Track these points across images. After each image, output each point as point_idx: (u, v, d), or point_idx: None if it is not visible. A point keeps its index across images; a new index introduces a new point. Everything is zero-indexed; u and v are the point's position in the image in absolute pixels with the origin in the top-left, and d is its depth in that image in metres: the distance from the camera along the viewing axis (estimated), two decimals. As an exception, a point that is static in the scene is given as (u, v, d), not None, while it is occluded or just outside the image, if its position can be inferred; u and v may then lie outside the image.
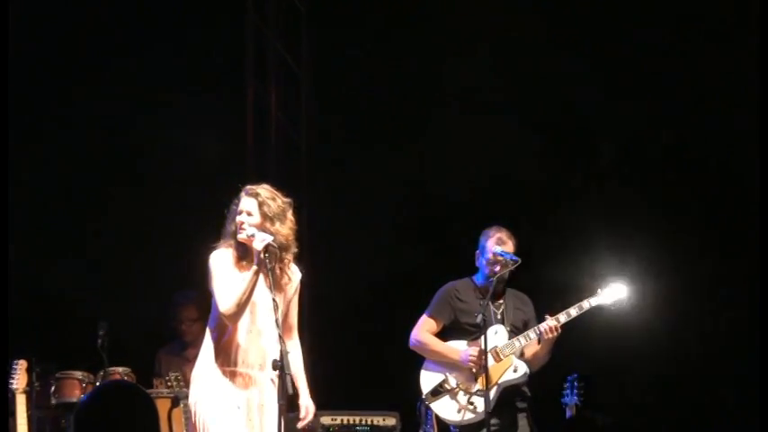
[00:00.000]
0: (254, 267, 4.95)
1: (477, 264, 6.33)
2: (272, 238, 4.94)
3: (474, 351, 6.07)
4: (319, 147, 8.50)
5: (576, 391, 6.36)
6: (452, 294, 6.29)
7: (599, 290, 6.22)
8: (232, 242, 5.08)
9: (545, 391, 6.42)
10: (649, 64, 7.90)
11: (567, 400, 6.39)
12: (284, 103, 8.47)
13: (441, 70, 8.27)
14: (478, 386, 6.07)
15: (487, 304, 6.06)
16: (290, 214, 5.14)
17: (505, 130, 7.98)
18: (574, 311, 6.18)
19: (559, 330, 6.12)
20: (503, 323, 6.22)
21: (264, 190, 5.14)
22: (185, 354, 7.07)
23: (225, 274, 5.03)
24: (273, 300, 4.84)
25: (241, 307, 4.97)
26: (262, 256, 4.89)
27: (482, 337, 6.02)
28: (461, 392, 6.11)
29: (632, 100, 7.99)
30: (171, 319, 7.21)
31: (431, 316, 6.29)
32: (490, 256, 6.22)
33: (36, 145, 7.56)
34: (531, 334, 6.15)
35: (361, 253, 8.15)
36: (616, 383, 7.69)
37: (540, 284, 6.71)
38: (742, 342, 7.36)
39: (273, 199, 5.11)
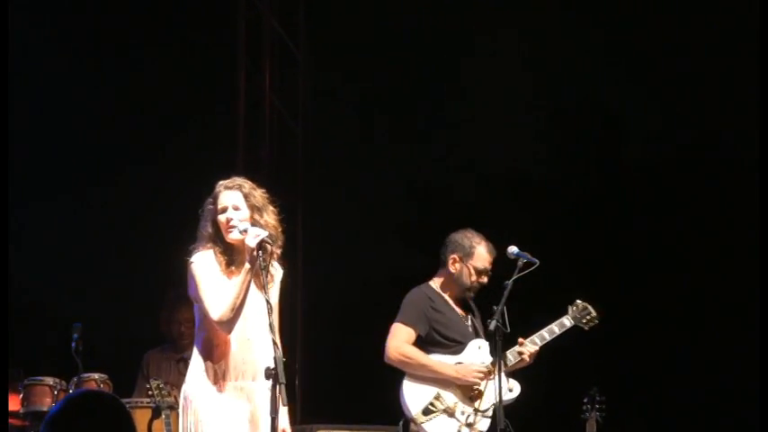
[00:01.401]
0: (247, 266, 4.90)
1: (450, 269, 6.12)
2: (266, 233, 4.90)
3: (479, 368, 5.95)
4: (318, 136, 8.51)
5: (597, 406, 6.38)
6: (426, 302, 6.10)
7: (571, 308, 6.15)
8: (213, 245, 5.03)
9: (561, 409, 6.57)
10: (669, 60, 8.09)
11: (587, 416, 6.39)
12: (280, 87, 8.50)
13: (451, 60, 8.30)
14: (481, 404, 5.91)
15: (470, 316, 5.97)
16: (270, 204, 5.14)
17: (519, 125, 8.11)
18: (547, 335, 6.04)
19: (537, 354, 5.99)
20: (476, 336, 6.07)
21: (244, 180, 5.14)
22: (178, 357, 7.07)
23: (213, 279, 4.99)
24: (267, 301, 4.79)
25: (236, 312, 4.94)
26: (255, 253, 4.85)
27: (480, 350, 5.96)
28: (459, 411, 5.93)
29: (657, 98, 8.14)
30: (165, 321, 7.20)
31: (408, 324, 6.05)
32: (480, 264, 6.08)
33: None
34: (511, 357, 5.99)
35: (361, 255, 8.14)
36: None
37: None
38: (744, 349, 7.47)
39: (255, 189, 5.12)
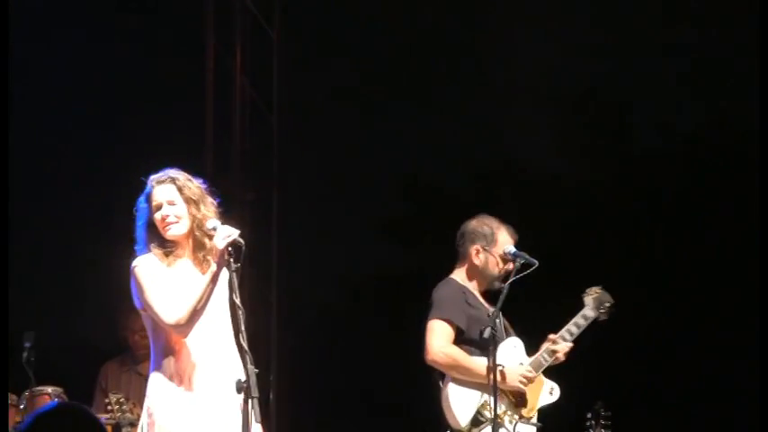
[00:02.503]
0: (213, 268, 4.90)
1: (474, 261, 6.15)
2: (237, 231, 4.87)
3: (524, 371, 5.98)
4: (295, 123, 8.48)
5: (601, 422, 6.32)
6: (462, 297, 6.09)
7: (584, 296, 6.23)
8: (153, 247, 5.03)
9: (564, 426, 6.41)
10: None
11: (591, 435, 6.41)
12: (252, 68, 8.48)
13: (443, 44, 8.33)
14: (526, 411, 5.99)
15: (497, 313, 5.86)
16: (209, 195, 5.13)
17: (516, 111, 8.13)
18: (575, 328, 6.13)
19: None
20: (508, 335, 6.11)
21: (177, 172, 5.12)
22: (137, 369, 7.13)
23: (160, 281, 4.98)
24: (239, 306, 4.79)
25: (194, 315, 4.92)
26: (226, 255, 4.83)
27: (516, 349, 6.03)
28: (507, 420, 5.96)
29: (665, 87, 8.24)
30: (120, 329, 7.23)
31: (446, 320, 6.00)
32: (502, 251, 6.10)
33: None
34: (547, 356, 6.07)
35: (344, 254, 8.23)
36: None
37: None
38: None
39: (190, 180, 5.12)
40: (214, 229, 4.94)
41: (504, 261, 6.10)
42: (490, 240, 6.17)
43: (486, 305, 6.14)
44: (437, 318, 6.03)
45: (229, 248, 4.86)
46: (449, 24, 8.39)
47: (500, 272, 6.12)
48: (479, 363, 5.91)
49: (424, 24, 8.37)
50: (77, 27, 7.91)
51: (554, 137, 8.27)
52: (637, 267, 8.35)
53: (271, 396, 8.06)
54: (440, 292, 6.12)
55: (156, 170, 5.00)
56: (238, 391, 4.69)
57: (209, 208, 5.09)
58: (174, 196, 5.06)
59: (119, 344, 7.30)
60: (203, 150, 8.12)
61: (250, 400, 4.64)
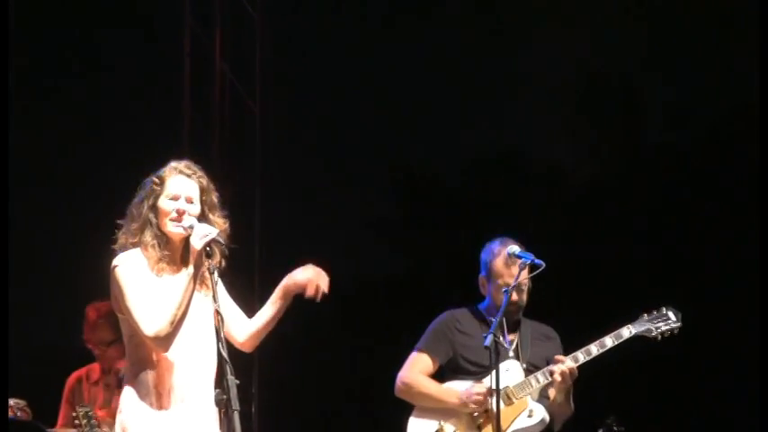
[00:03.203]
0: (190, 271, 4.82)
1: (483, 292, 6.13)
2: (216, 231, 4.82)
3: (479, 389, 5.92)
4: (278, 111, 8.45)
5: None
6: (451, 325, 6.12)
7: (645, 315, 6.11)
8: (149, 239, 4.96)
9: None
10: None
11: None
12: (233, 53, 8.46)
13: (436, 21, 8.46)
14: None
15: (498, 330, 5.70)
16: (219, 209, 5.08)
17: (518, 101, 8.21)
18: (595, 348, 5.98)
19: (576, 374, 5.91)
20: (517, 359, 6.07)
21: (203, 174, 5.07)
22: (106, 380, 7.00)
23: (143, 286, 4.89)
24: (218, 313, 4.74)
25: (176, 326, 4.85)
26: (204, 257, 4.78)
27: (507, 372, 5.94)
28: None
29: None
30: (84, 340, 7.04)
31: (424, 351, 6.10)
32: (501, 281, 5.96)
33: None
34: (541, 377, 5.99)
35: (331, 256, 8.13)
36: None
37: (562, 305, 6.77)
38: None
39: (212, 187, 5.08)
40: (191, 227, 4.86)
41: (499, 291, 5.95)
42: (489, 270, 6.09)
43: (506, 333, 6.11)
44: (416, 349, 6.13)
45: (207, 249, 4.80)
46: (448, 10, 8.32)
47: (509, 304, 5.88)
48: (435, 387, 5.99)
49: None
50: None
51: (560, 127, 8.39)
52: (654, 267, 8.35)
53: (253, 409, 8.04)
54: (432, 324, 6.17)
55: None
56: (217, 404, 4.64)
57: (219, 220, 5.04)
58: (195, 195, 5.01)
59: (85, 352, 7.11)
60: (179, 142, 8.06)
61: (230, 414, 4.57)
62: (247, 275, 8.00)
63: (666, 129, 8.51)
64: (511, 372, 6.05)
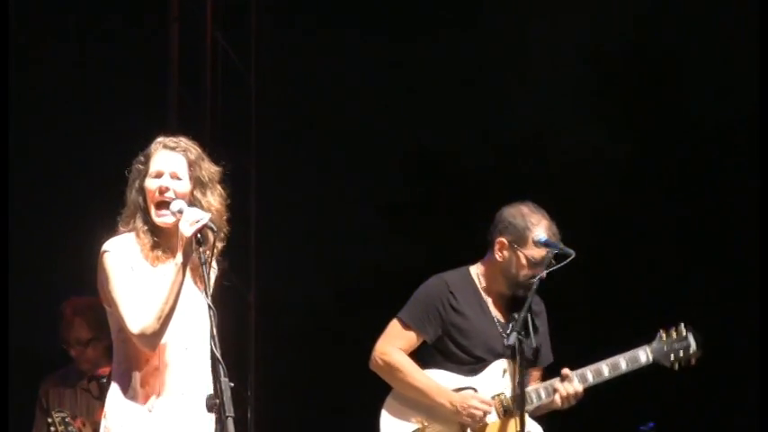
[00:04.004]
0: (179, 260, 4.78)
1: (496, 256, 5.90)
2: (208, 216, 4.77)
3: (478, 404, 5.77)
4: (276, 85, 8.40)
5: None
6: (444, 299, 5.92)
7: (663, 333, 6.04)
8: (140, 225, 4.92)
9: None
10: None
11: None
12: (225, 22, 8.35)
13: None
14: None
15: (519, 323, 5.63)
16: (219, 185, 5.05)
17: (545, 77, 8.07)
18: (607, 370, 5.91)
19: (580, 398, 5.81)
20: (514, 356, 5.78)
21: (192, 144, 5.06)
22: (83, 384, 7.03)
23: (131, 277, 4.87)
24: (210, 307, 4.70)
25: (164, 322, 4.83)
26: (193, 245, 4.75)
27: (505, 376, 5.83)
28: None
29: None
30: (60, 340, 7.06)
31: (410, 326, 5.91)
32: (536, 254, 5.82)
33: None
34: (543, 393, 5.85)
35: (334, 244, 8.17)
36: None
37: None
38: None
39: (203, 159, 5.03)
40: (180, 211, 4.81)
41: (533, 265, 5.83)
42: (521, 237, 5.88)
43: (493, 311, 5.96)
44: (398, 317, 5.91)
45: (198, 236, 4.75)
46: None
47: (524, 278, 5.85)
48: (424, 380, 5.83)
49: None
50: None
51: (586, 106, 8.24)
52: (684, 257, 8.24)
53: (249, 414, 8.06)
54: (420, 290, 5.96)
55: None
56: (209, 409, 4.61)
57: (216, 198, 4.99)
58: (180, 169, 4.94)
59: (61, 353, 7.15)
60: (164, 120, 7.90)
61: (224, 420, 4.55)
62: (242, 266, 7.98)
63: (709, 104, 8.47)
64: (509, 375, 5.90)
